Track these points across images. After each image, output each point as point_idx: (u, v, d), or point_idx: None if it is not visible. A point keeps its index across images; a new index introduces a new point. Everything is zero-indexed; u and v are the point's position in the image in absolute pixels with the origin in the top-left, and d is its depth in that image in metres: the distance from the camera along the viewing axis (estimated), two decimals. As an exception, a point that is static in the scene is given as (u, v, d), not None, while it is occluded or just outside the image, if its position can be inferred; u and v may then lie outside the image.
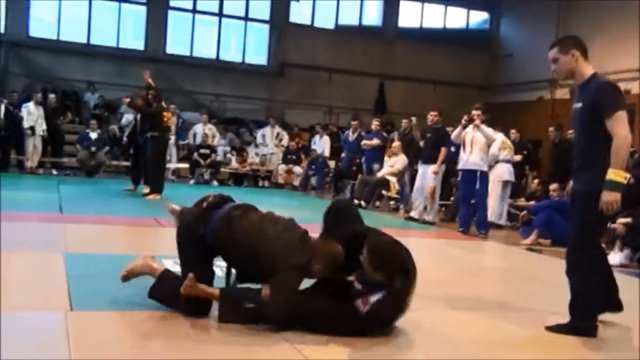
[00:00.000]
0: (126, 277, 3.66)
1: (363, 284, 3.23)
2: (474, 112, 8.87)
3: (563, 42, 3.88)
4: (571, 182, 4.09)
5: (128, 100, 10.25)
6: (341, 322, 3.23)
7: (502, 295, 5.07)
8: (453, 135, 9.24)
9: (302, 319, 3.24)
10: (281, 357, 2.90)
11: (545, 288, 5.59)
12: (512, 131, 11.57)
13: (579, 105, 3.78)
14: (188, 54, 18.30)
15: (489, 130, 8.91)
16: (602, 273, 3.91)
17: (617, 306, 4.02)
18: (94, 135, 13.62)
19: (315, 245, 3.31)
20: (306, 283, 3.40)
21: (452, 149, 10.01)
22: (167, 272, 3.64)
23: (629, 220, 7.22)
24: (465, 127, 8.88)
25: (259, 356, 2.94)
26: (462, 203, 9.24)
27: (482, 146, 8.77)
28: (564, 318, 3.86)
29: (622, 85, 14.13)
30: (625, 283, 6.18)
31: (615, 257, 7.16)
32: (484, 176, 8.92)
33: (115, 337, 3.07)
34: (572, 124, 3.95)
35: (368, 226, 3.57)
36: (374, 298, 3.13)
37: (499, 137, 9.78)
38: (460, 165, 9.20)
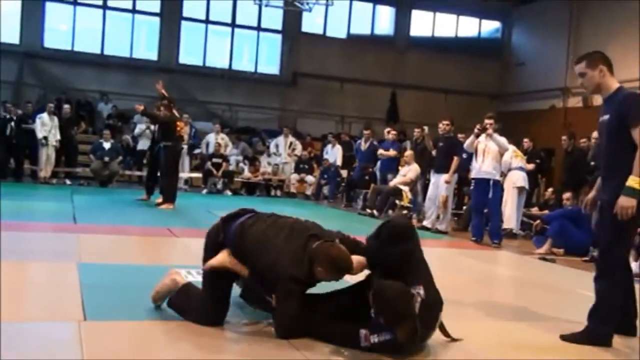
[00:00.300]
0: (155, 299, 3.73)
1: (369, 321, 3.21)
2: (487, 121, 8.84)
3: (590, 57, 3.96)
4: (593, 192, 4.17)
5: (142, 107, 10.31)
6: (340, 342, 3.25)
7: (515, 304, 5.04)
8: (466, 144, 9.21)
9: (307, 330, 3.31)
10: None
11: (558, 297, 5.56)
12: (525, 140, 11.53)
13: (605, 117, 3.88)
14: (201, 64, 18.43)
15: (502, 139, 8.87)
16: (626, 289, 3.89)
17: (632, 330, 3.96)
18: (107, 145, 13.71)
19: (317, 249, 3.30)
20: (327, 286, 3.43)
21: (464, 156, 9.98)
22: (188, 285, 3.70)
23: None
24: (478, 136, 8.84)
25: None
26: (475, 212, 9.19)
27: (495, 155, 8.75)
28: (578, 327, 3.84)
29: (636, 94, 14.06)
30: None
31: (632, 266, 7.09)
32: (497, 185, 8.88)
33: (129, 347, 3.08)
34: (599, 136, 4.03)
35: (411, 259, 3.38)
36: (375, 339, 3.11)
37: (511, 147, 9.74)
38: (473, 174, 9.17)
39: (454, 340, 3.42)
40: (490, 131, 8.73)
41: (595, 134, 9.65)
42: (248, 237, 3.44)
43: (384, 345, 3.11)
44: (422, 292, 3.21)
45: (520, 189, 10.05)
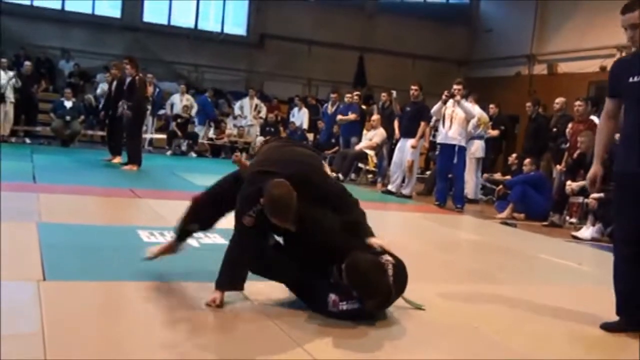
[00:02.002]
0: (150, 258, 3.77)
1: (339, 286, 3.15)
2: (455, 87, 8.87)
3: None
4: (596, 166, 3.55)
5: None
6: (307, 299, 3.23)
7: (477, 268, 5.13)
8: (433, 110, 9.25)
9: (272, 270, 3.33)
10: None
11: (519, 261, 5.67)
12: (491, 106, 11.60)
13: None
14: (166, 23, 18.02)
15: (469, 106, 8.94)
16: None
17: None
18: (68, 104, 13.39)
19: (271, 180, 3.11)
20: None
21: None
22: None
23: (601, 195, 7.30)
24: (445, 102, 8.88)
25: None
26: (439, 177, 9.27)
27: (462, 121, 8.80)
28: (538, 290, 3.91)
29: (599, 62, 14.29)
30: (598, 257, 6.31)
31: (587, 231, 7.28)
32: (462, 151, 8.95)
33: (90, 307, 3.05)
34: (627, 100, 3.41)
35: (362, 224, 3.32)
36: (344, 306, 3.07)
37: (477, 111, 9.81)
38: (439, 139, 9.23)
39: (418, 308, 3.41)
40: (458, 97, 8.76)
41: (558, 100, 9.75)
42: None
43: (351, 313, 3.07)
44: (389, 257, 3.20)
45: (478, 160, 10.29)
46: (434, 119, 9.99)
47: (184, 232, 3.80)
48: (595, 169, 3.56)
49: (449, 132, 8.83)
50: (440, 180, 9.22)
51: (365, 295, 3.03)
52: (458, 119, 8.79)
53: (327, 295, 3.12)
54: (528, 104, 10.55)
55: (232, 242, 3.27)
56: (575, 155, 8.16)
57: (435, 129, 10.64)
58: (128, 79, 9.96)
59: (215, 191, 3.69)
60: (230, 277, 3.21)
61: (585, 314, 3.75)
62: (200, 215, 3.69)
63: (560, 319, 3.61)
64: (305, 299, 3.27)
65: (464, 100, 8.86)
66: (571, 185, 7.86)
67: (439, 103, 8.98)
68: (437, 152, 9.36)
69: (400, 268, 3.24)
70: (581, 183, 7.69)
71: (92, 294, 3.23)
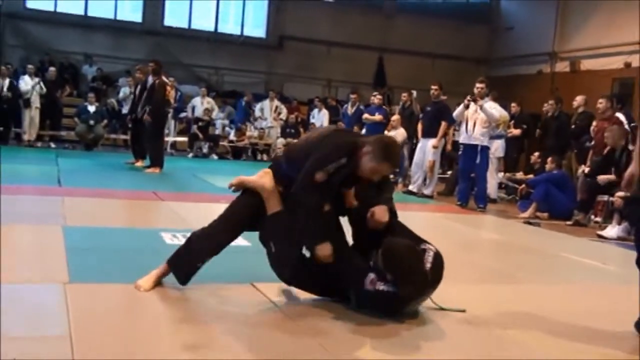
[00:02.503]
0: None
1: (378, 269, 3.16)
2: (478, 85, 8.80)
3: None
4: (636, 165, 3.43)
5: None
6: (346, 271, 3.20)
7: (500, 268, 5.09)
8: (455, 114, 9.19)
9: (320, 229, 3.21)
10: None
11: (542, 260, 5.62)
12: (513, 105, 11.53)
13: None
14: (186, 26, 18.15)
15: (491, 111, 8.79)
16: None
17: None
18: (92, 108, 13.54)
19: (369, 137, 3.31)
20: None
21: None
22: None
23: (627, 193, 7.21)
24: (467, 106, 8.82)
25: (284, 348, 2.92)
26: (462, 177, 9.21)
27: (484, 122, 8.73)
28: (560, 288, 3.87)
29: (622, 59, 14.10)
30: (624, 256, 6.24)
31: (613, 230, 7.19)
32: (485, 150, 8.89)
33: (114, 309, 3.09)
34: None
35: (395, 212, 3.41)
36: (382, 286, 3.08)
37: (497, 111, 9.72)
38: (461, 140, 9.16)
39: (459, 311, 3.39)
40: (480, 102, 8.69)
41: (578, 98, 9.64)
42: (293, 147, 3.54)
43: (385, 296, 3.06)
44: (431, 246, 3.26)
45: (499, 159, 10.34)
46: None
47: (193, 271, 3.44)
48: (632, 168, 3.48)
49: (472, 133, 8.77)
50: (462, 181, 9.16)
51: (400, 280, 3.04)
52: (480, 120, 8.73)
53: (366, 274, 3.13)
54: (550, 102, 10.44)
55: (298, 205, 3.21)
56: (605, 152, 8.05)
57: (457, 128, 10.59)
58: (149, 83, 10.08)
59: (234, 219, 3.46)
60: (321, 229, 3.19)
61: (611, 312, 3.71)
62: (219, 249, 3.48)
63: (585, 318, 3.57)
64: (342, 272, 3.21)
65: (486, 105, 8.76)
66: (601, 178, 7.76)
67: (461, 107, 8.92)
68: (459, 152, 9.25)
69: (439, 258, 3.25)
70: (611, 177, 7.62)
71: (116, 296, 3.28)
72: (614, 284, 4.78)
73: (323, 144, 3.23)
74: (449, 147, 11.73)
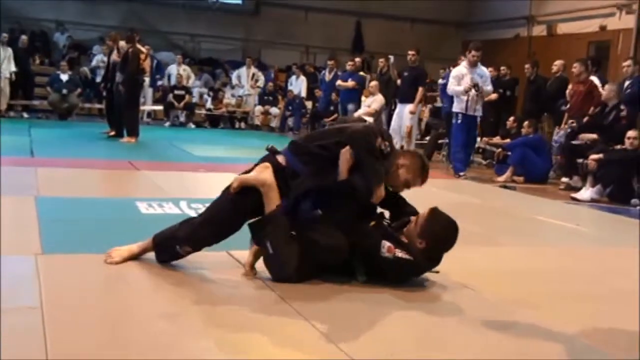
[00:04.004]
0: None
1: (392, 237, 3.19)
2: (474, 53, 8.46)
3: None
4: None
5: None
6: (361, 239, 3.18)
7: (477, 231, 5.13)
8: (452, 91, 8.72)
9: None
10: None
11: (517, 223, 5.68)
12: (490, 69, 11.50)
13: None
14: (161, -8, 17.80)
15: (489, 90, 8.73)
16: None
17: None
18: (64, 77, 13.31)
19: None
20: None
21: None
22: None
23: (600, 156, 7.30)
24: (466, 92, 8.42)
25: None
26: (461, 146, 8.75)
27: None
28: (535, 250, 3.91)
29: (598, 22, 14.11)
30: (597, 217, 6.34)
31: (586, 192, 7.28)
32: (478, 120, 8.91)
33: (87, 279, 3.06)
34: None
35: None
36: (399, 254, 3.12)
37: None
38: (459, 109, 8.62)
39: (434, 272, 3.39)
40: (484, 91, 8.52)
41: (557, 63, 9.66)
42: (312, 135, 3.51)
43: (402, 263, 3.11)
44: None
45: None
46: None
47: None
48: None
49: (473, 104, 8.46)
50: (461, 149, 8.77)
51: (432, 247, 3.16)
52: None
53: (380, 241, 3.15)
54: (527, 66, 10.46)
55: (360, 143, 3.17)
56: (591, 111, 8.14)
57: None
58: (122, 51, 9.92)
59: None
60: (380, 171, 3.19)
61: (584, 272, 3.77)
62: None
63: (560, 278, 3.63)
64: (358, 241, 3.17)
65: (486, 88, 8.58)
66: (584, 136, 7.83)
67: (461, 89, 8.47)
68: (458, 120, 8.64)
69: None
70: (593, 136, 7.69)
71: (89, 266, 3.24)
72: (587, 245, 4.86)
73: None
74: (426, 113, 11.74)
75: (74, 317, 2.52)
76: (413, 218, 3.26)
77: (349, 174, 3.17)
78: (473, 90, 8.44)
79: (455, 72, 8.76)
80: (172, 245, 3.26)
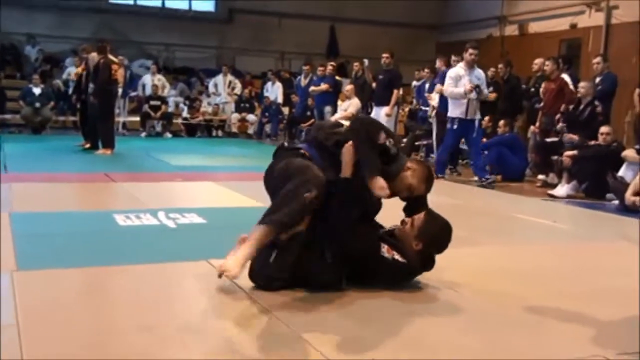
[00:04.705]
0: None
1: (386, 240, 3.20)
2: (472, 52, 8.17)
3: None
4: None
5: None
6: (360, 239, 3.15)
7: (457, 230, 5.15)
8: (450, 94, 8.33)
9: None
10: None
11: (496, 221, 5.72)
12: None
13: None
14: (132, 2, 17.68)
15: (488, 93, 8.55)
16: None
17: None
18: (37, 90, 13.15)
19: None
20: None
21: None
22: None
23: (575, 152, 7.39)
24: (466, 95, 8.07)
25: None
26: (449, 150, 8.67)
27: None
28: (515, 248, 3.93)
29: (568, 20, 14.27)
30: (573, 213, 6.41)
31: (562, 189, 7.35)
32: (479, 123, 8.49)
33: (64, 295, 3.00)
34: None
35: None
36: (396, 256, 3.14)
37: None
38: (455, 114, 8.29)
39: None
40: (485, 93, 8.31)
41: (537, 61, 9.71)
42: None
43: (398, 265, 3.13)
44: None
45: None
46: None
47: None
48: None
49: (470, 107, 8.14)
50: (447, 153, 8.70)
51: (427, 250, 3.16)
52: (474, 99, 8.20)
53: (379, 243, 3.15)
54: (500, 66, 10.54)
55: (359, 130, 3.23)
56: (566, 108, 8.21)
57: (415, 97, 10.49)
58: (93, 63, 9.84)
59: None
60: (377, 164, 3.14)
61: (561, 269, 3.80)
62: None
63: (539, 276, 3.66)
64: (359, 237, 3.15)
65: (484, 91, 8.30)
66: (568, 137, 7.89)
67: (460, 92, 8.12)
68: (454, 126, 8.35)
69: None
70: (574, 137, 7.76)
71: (65, 281, 3.19)
72: (565, 241, 4.91)
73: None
74: (402, 114, 11.77)
75: (51, 333, 2.48)
76: (408, 219, 3.24)
77: (354, 169, 3.13)
78: (474, 93, 8.09)
79: (452, 72, 8.36)
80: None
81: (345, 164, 3.15)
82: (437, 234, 3.20)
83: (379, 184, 3.06)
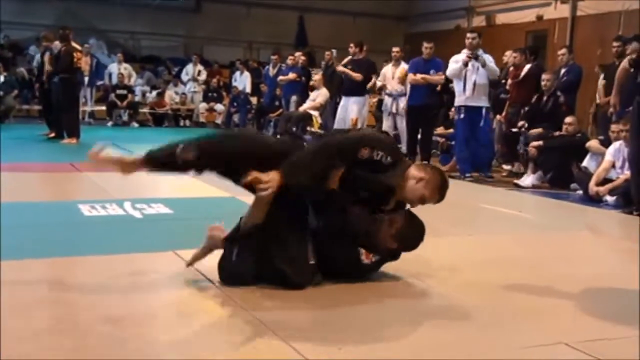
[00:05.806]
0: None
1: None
2: (469, 36, 7.93)
3: None
4: None
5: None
6: (341, 255, 3.11)
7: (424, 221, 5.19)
8: (451, 73, 8.12)
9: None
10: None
11: (463, 212, 5.77)
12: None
13: None
14: (97, -11, 17.39)
15: (493, 66, 8.08)
16: None
17: None
18: (0, 78, 12.88)
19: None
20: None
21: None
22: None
23: (540, 143, 7.49)
24: (466, 64, 7.80)
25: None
26: (463, 144, 8.09)
27: (484, 79, 7.95)
28: (479, 239, 3.97)
29: (534, 12, 14.44)
30: (538, 203, 6.51)
31: (527, 179, 7.46)
32: (489, 113, 8.18)
33: (28, 288, 2.95)
34: None
35: None
36: (374, 258, 3.15)
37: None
38: (459, 102, 8.05)
39: None
40: (483, 59, 7.81)
41: (508, 53, 9.76)
42: None
43: (378, 264, 3.18)
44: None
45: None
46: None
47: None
48: None
49: (474, 94, 7.85)
50: (463, 148, 8.11)
51: (403, 247, 3.18)
52: (480, 76, 7.88)
53: (357, 249, 3.12)
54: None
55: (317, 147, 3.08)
56: (533, 100, 8.30)
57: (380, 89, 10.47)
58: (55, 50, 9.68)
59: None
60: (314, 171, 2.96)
61: (527, 259, 3.86)
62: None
63: (496, 266, 3.71)
64: (341, 255, 3.12)
65: (487, 59, 7.87)
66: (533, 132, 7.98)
67: (459, 65, 7.85)
68: (460, 116, 8.07)
69: None
70: (539, 130, 7.84)
71: (30, 273, 3.14)
72: (530, 231, 4.99)
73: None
74: (371, 105, 11.79)
75: (18, 325, 2.43)
76: (386, 217, 3.14)
77: (339, 183, 3.03)
78: (472, 63, 7.74)
79: (454, 57, 8.07)
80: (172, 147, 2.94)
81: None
82: (413, 237, 3.18)
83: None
